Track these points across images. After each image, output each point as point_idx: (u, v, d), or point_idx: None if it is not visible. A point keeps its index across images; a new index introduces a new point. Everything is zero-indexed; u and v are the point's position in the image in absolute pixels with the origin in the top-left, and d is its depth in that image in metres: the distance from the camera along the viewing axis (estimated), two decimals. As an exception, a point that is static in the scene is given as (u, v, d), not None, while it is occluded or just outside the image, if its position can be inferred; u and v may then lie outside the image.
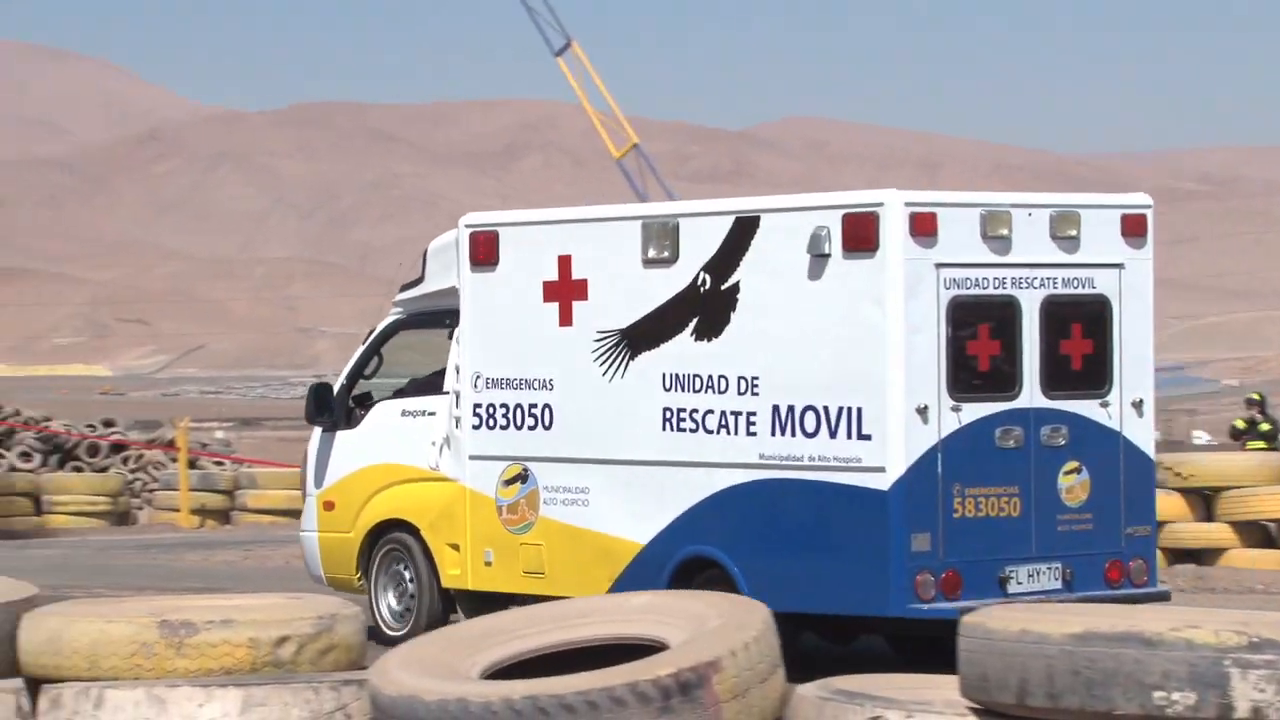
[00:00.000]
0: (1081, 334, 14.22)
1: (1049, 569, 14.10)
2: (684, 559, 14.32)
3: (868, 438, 13.55)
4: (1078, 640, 7.82)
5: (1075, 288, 14.20)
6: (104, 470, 43.61)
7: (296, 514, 37.05)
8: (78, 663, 8.48)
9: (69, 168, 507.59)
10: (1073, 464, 14.17)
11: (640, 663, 7.85)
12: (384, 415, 16.26)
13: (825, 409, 13.71)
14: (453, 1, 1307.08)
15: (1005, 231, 13.87)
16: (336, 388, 16.73)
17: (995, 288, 13.87)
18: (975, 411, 13.76)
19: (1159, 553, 17.18)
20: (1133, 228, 14.44)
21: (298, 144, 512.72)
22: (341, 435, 16.50)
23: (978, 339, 13.80)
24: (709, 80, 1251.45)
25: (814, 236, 13.64)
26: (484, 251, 15.30)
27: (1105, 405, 14.31)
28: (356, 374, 16.63)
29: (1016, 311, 13.94)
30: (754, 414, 13.99)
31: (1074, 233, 14.13)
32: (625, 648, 8.28)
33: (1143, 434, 14.48)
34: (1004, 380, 13.93)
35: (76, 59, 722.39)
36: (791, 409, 13.86)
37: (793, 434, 13.86)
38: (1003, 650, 7.96)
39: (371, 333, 16.76)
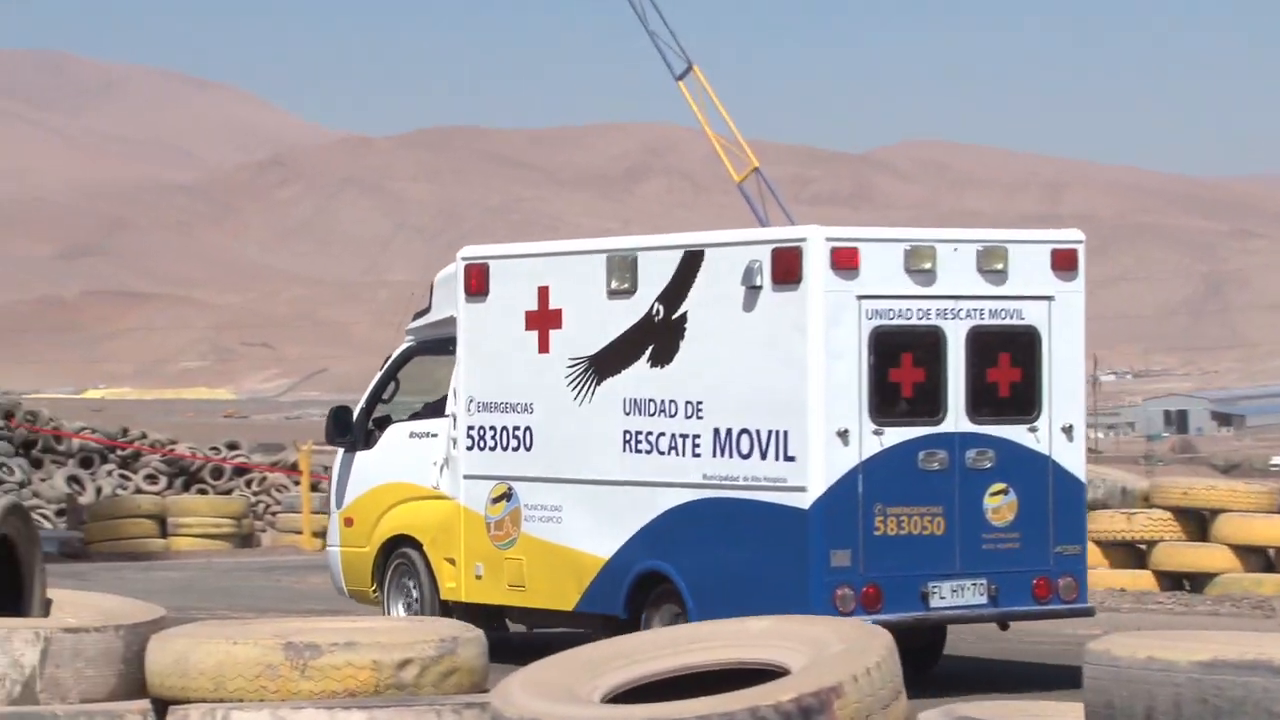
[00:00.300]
0: (1010, 363, 14.97)
1: (973, 584, 14.84)
2: (640, 573, 15.33)
3: (792, 459, 14.46)
4: (1205, 668, 7.74)
5: (1003, 318, 14.94)
6: (228, 493, 43.96)
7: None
8: (204, 684, 8.54)
9: (197, 193, 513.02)
10: (999, 486, 14.91)
11: (761, 688, 7.82)
12: (395, 437, 17.43)
13: (757, 432, 14.67)
14: (576, 27, 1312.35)
15: (929, 265, 14.65)
16: (356, 411, 17.79)
17: (919, 318, 14.68)
18: (898, 435, 14.57)
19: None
20: (1063, 262, 15.14)
21: (421, 168, 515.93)
22: (360, 456, 17.66)
23: (900, 367, 14.61)
24: (830, 103, 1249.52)
25: (747, 269, 14.63)
26: (477, 283, 16.41)
27: (1034, 430, 15.00)
28: (375, 398, 17.77)
29: (941, 341, 14.75)
30: (698, 436, 15.01)
31: (1000, 266, 14.88)
32: (746, 673, 8.25)
33: (1072, 458, 15.12)
34: (928, 406, 14.72)
35: (205, 85, 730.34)
36: (730, 432, 14.82)
37: (730, 455, 14.83)
38: (1129, 678, 7.88)
39: (388, 359, 17.86)
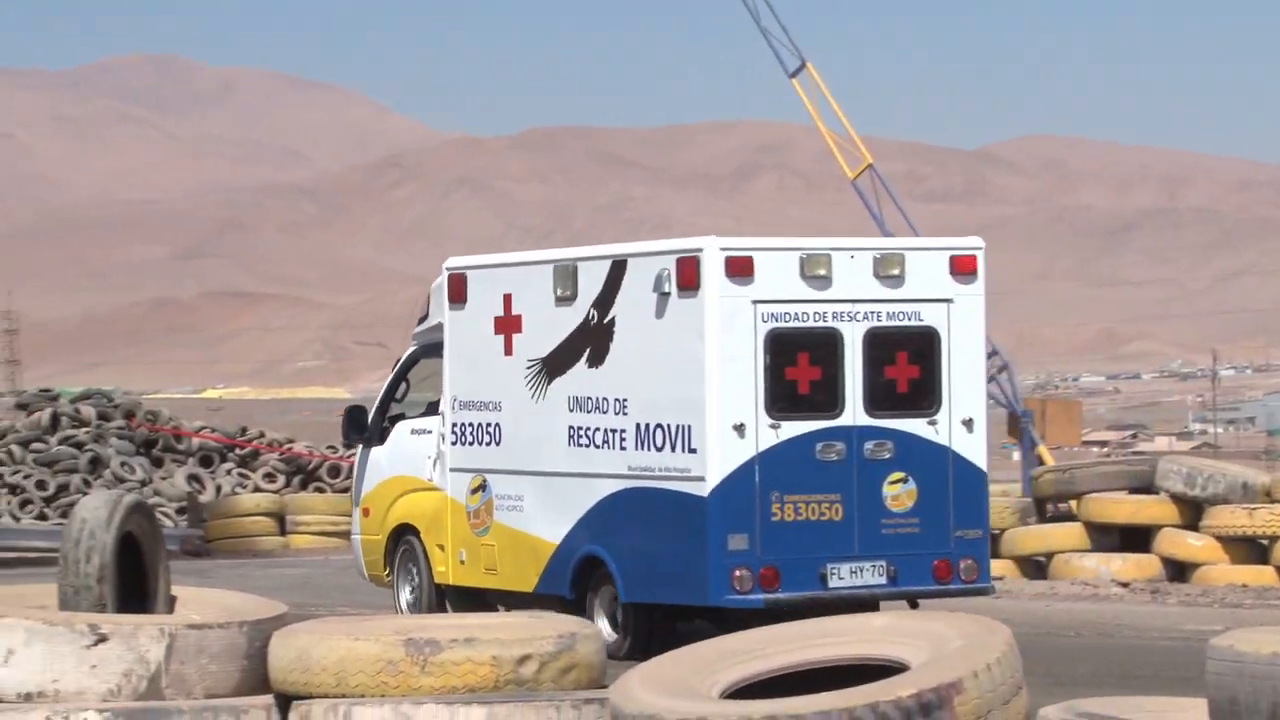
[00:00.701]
0: (908, 360, 16.05)
1: (872, 566, 15.98)
2: (581, 558, 16.71)
3: (694, 451, 15.82)
4: (1331, 664, 7.65)
5: (901, 320, 16.05)
6: (344, 491, 44.26)
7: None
8: (326, 680, 8.61)
9: (311, 194, 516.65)
10: (898, 474, 15.98)
11: (881, 683, 7.81)
12: (400, 433, 18.95)
13: (668, 427, 16.04)
14: (686, 26, 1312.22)
15: (823, 272, 15.80)
16: (372, 410, 19.33)
17: (815, 321, 15.85)
18: (795, 429, 15.77)
19: None
20: (962, 267, 16.23)
21: (532, 168, 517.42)
22: (374, 451, 19.21)
23: (797, 365, 15.78)
24: (943, 100, 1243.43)
25: (657, 277, 15.98)
26: (456, 291, 17.89)
27: (933, 423, 16.05)
28: (387, 398, 19.35)
29: (838, 341, 15.89)
30: (624, 431, 16.42)
31: (896, 272, 15.97)
32: (865, 669, 8.24)
33: (973, 448, 16.16)
34: (825, 402, 15.88)
35: (318, 87, 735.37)
36: (648, 427, 16.21)
37: (648, 448, 16.21)
38: (1253, 673, 7.81)
39: (397, 362, 19.40)
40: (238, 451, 45.94)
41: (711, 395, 15.65)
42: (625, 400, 16.42)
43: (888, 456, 15.94)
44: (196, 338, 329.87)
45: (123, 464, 44.13)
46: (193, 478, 44.55)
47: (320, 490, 44.38)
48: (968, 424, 16.10)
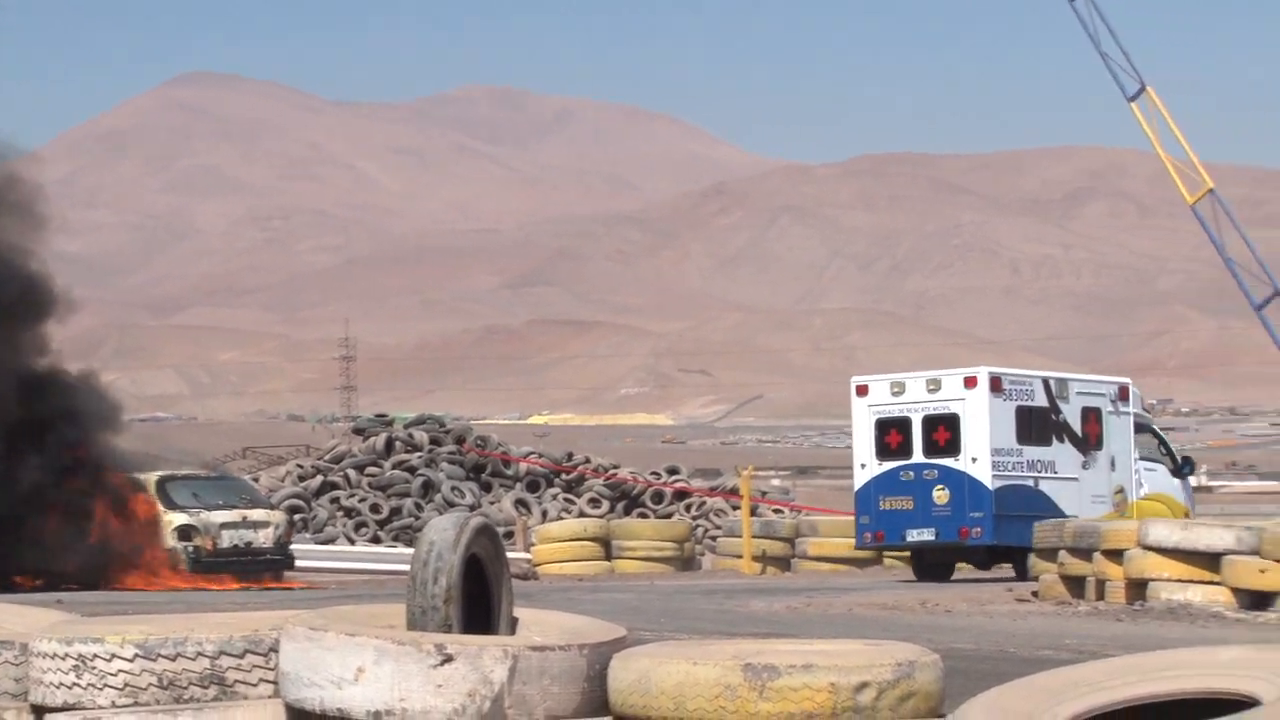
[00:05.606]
0: (945, 429, 29.64)
1: (928, 530, 29.63)
2: None
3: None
4: None
5: (940, 410, 29.69)
6: (668, 516, 44.58)
7: (856, 562, 37.51)
8: (664, 703, 8.65)
9: (639, 222, 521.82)
10: (941, 485, 29.59)
11: (1230, 719, 7.62)
12: None
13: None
14: (1019, 51, 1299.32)
15: (900, 389, 30.17)
16: None
17: (898, 412, 30.02)
18: (890, 464, 30.04)
19: None
20: (969, 383, 29.65)
21: (859, 195, 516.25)
22: None
23: (889, 433, 30.04)
24: None
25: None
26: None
27: (958, 459, 29.52)
28: None
29: (910, 421, 29.94)
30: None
31: (936, 387, 29.86)
32: (1212, 702, 8.06)
33: (979, 471, 29.39)
34: (903, 451, 29.90)
35: (648, 116, 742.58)
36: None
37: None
38: None
39: None
40: (563, 477, 46.61)
41: (860, 450, 30.62)
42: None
43: (936, 476, 29.60)
44: (525, 365, 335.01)
45: (453, 488, 44.98)
46: (520, 502, 45.23)
47: (644, 515, 44.80)
48: (975, 460, 29.33)
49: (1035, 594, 24.88)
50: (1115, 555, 23.05)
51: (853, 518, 38.57)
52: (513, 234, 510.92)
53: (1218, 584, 21.97)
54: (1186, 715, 8.09)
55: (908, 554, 31.39)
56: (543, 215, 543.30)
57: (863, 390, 30.33)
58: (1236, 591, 21.82)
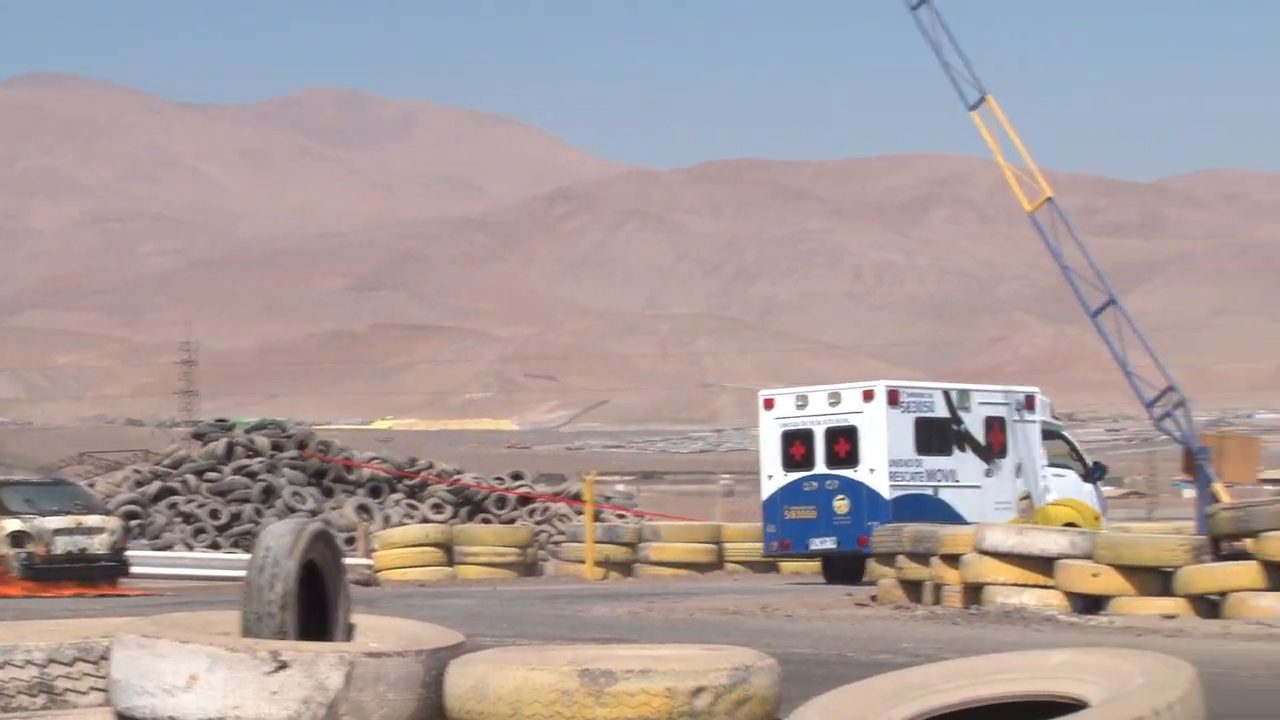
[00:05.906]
0: (845, 441, 30.98)
1: (830, 538, 31.02)
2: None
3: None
4: None
5: (840, 423, 31.10)
6: (512, 522, 44.47)
7: (698, 566, 37.65)
8: (501, 709, 8.64)
9: (484, 226, 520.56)
10: (841, 495, 30.95)
11: (1059, 722, 7.72)
12: None
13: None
14: (862, 60, 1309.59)
15: (804, 402, 31.63)
16: None
17: (801, 425, 31.47)
18: (795, 475, 31.46)
19: None
20: (866, 396, 31.00)
21: (705, 201, 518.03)
22: None
23: (794, 445, 31.46)
24: (1120, 133, 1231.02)
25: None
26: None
27: (856, 471, 30.87)
28: None
29: (813, 433, 31.33)
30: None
31: (837, 400, 31.22)
32: (1042, 705, 8.15)
33: (877, 481, 30.66)
34: (807, 463, 31.39)
35: (495, 120, 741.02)
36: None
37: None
38: None
39: None
40: (406, 482, 46.38)
41: (767, 461, 32.10)
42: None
43: (836, 486, 31.09)
44: (370, 369, 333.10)
45: (294, 494, 44.63)
46: (362, 508, 44.95)
47: (487, 521, 44.66)
48: (873, 470, 30.68)
49: (874, 598, 25.09)
50: (952, 560, 23.31)
51: (694, 523, 39.30)
52: (357, 237, 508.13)
53: (1051, 588, 22.28)
54: (1018, 718, 8.18)
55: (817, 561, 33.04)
56: (388, 219, 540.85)
57: (769, 403, 31.77)
58: (1070, 595, 22.14)
